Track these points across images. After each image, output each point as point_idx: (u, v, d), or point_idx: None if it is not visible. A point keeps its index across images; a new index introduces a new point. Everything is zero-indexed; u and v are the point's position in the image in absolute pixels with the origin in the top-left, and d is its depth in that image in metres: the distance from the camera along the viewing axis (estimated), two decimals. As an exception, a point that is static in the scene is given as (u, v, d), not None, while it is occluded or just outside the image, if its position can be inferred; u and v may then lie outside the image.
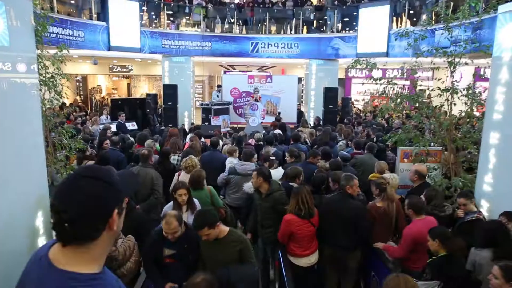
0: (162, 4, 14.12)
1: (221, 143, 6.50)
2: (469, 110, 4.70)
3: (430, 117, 5.12)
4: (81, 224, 1.11)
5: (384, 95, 5.46)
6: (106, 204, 1.16)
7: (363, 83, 12.11)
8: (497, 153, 3.82)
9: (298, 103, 15.48)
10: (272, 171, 4.98)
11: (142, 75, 20.63)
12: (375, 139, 7.87)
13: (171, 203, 4.00)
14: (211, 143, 6.06)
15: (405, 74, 6.16)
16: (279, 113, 12.97)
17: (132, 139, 7.62)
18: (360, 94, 19.54)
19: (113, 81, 20.94)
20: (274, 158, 5.49)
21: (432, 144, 5.00)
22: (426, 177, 4.51)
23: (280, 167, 5.41)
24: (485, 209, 3.94)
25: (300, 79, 17.57)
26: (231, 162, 5.39)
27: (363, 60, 5.49)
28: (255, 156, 5.55)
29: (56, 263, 1.14)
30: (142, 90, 20.93)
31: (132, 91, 20.67)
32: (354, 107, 16.74)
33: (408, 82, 8.61)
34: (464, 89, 4.81)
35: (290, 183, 4.45)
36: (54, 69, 4.49)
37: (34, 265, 1.20)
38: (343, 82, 19.56)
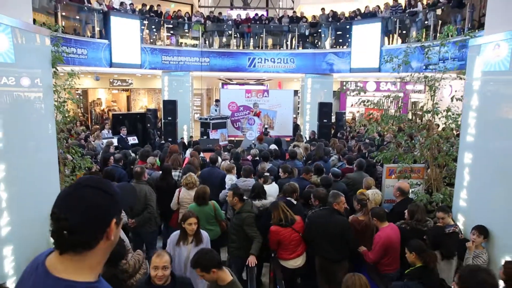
0: (162, 21, 14.57)
1: (219, 159, 6.84)
2: (448, 130, 5.09)
3: (414, 136, 5.51)
4: (80, 233, 1.13)
5: (378, 107, 5.84)
6: (106, 214, 1.19)
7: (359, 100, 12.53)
8: (470, 171, 4.20)
9: (294, 116, 15.90)
10: (267, 187, 5.36)
11: (141, 89, 21.04)
12: (366, 153, 8.26)
13: (177, 232, 3.92)
14: (210, 160, 6.43)
15: (398, 86, 6.57)
16: (266, 128, 13.36)
17: (133, 155, 7.98)
18: (355, 106, 20.00)
19: (113, 94, 21.34)
20: (268, 174, 5.84)
21: (416, 161, 5.38)
22: (410, 193, 4.88)
23: (274, 183, 5.77)
24: (461, 222, 4.31)
25: (296, 92, 18.02)
26: (231, 179, 5.75)
27: (351, 83, 5.87)
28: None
29: (53, 271, 1.15)
30: (141, 103, 21.33)
31: (132, 104, 21.08)
32: (347, 122, 17.15)
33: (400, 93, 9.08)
34: (444, 110, 5.21)
35: (288, 198, 4.81)
36: (65, 95, 4.88)
37: (30, 274, 1.21)
38: (339, 94, 20.01)
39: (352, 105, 20.25)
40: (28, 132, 3.51)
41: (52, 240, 1.14)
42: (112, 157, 6.75)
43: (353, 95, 5.30)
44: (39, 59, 3.72)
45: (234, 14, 21.76)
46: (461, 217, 4.35)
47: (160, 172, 6.26)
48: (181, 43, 15.08)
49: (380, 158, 5.48)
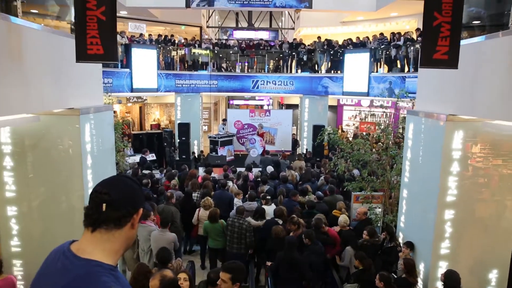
0: (176, 51, 16.41)
1: (228, 183, 8.60)
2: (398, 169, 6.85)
3: (379, 169, 7.26)
4: (116, 207, 1.31)
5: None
6: (138, 198, 1.40)
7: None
8: (406, 203, 5.95)
9: (293, 133, 17.68)
10: (266, 207, 7.09)
11: (154, 103, 22.90)
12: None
13: None
14: (221, 185, 8.22)
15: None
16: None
17: (157, 175, 9.82)
18: (351, 119, 21.75)
19: (127, 106, 23.23)
20: (269, 197, 7.52)
21: (376, 190, 7.13)
22: (369, 214, 6.64)
23: (273, 204, 7.48)
24: (401, 238, 6.06)
25: (296, 105, 19.80)
26: (238, 202, 7.49)
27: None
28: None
29: (81, 254, 1.29)
30: (153, 116, 23.18)
31: (145, 117, 22.93)
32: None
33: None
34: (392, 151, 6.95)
35: (276, 219, 6.56)
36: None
37: (57, 258, 1.31)
38: (335, 108, 21.74)
39: (349, 118, 22.04)
40: (105, 171, 5.28)
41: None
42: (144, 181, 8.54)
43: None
44: (109, 128, 5.54)
45: (239, 34, 23.65)
46: (401, 235, 6.10)
47: (180, 192, 8.12)
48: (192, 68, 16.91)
49: (348, 188, 7.24)
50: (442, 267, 5.08)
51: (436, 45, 3.93)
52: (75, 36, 3.77)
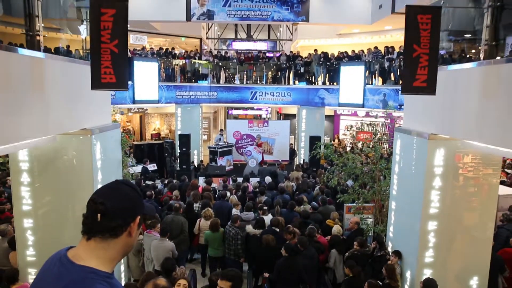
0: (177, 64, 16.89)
1: (227, 194, 9.00)
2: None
3: (369, 181, 7.67)
4: (111, 217, 1.31)
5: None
6: (135, 207, 1.40)
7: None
8: (394, 214, 6.36)
9: (291, 142, 18.13)
10: (264, 217, 7.49)
11: (154, 113, 23.33)
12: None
13: None
14: (220, 195, 8.61)
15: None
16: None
17: (159, 186, 10.20)
18: (348, 128, 22.18)
19: (127, 116, 23.66)
20: (266, 207, 7.92)
21: (368, 201, 7.54)
22: (361, 225, 7.04)
23: (270, 214, 7.86)
24: (390, 247, 6.45)
25: (294, 115, 20.24)
26: (236, 212, 7.89)
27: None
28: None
29: (76, 260, 1.30)
30: (154, 125, 23.61)
31: (146, 127, 23.35)
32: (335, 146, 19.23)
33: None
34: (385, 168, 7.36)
35: (273, 228, 6.95)
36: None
37: (53, 265, 1.33)
38: (332, 118, 22.20)
39: (346, 127, 22.50)
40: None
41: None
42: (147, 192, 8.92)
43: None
44: (117, 144, 5.95)
45: (237, 45, 24.17)
46: (390, 244, 6.49)
47: (181, 202, 8.51)
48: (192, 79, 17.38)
49: (341, 201, 7.66)
50: (427, 274, 5.47)
51: (415, 73, 4.37)
52: (91, 66, 4.19)
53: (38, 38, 4.09)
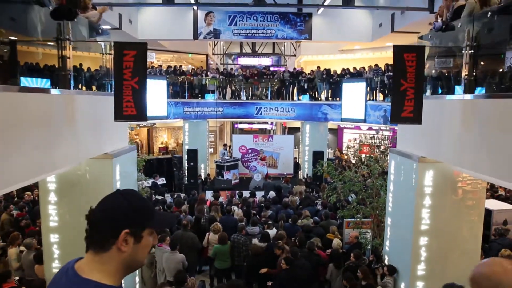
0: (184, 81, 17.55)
1: (233, 208, 9.50)
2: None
3: (368, 197, 8.14)
4: (94, 229, 1.29)
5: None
6: (117, 221, 1.28)
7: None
8: (390, 229, 6.82)
9: (295, 156, 18.63)
10: (269, 231, 7.96)
11: (162, 126, 23.99)
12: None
13: None
14: (226, 211, 9.11)
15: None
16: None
17: (168, 199, 10.73)
18: (351, 141, 22.66)
19: (136, 129, 24.33)
20: (270, 222, 8.40)
21: (366, 216, 8.00)
22: (360, 238, 7.50)
23: (275, 228, 8.34)
24: (386, 260, 6.89)
25: (298, 128, 20.76)
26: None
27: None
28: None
29: (81, 272, 1.27)
30: (161, 138, 24.24)
31: (154, 140, 23.99)
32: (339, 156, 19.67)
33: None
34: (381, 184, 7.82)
35: (276, 241, 7.42)
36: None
37: (60, 277, 1.33)
38: (336, 131, 22.70)
39: (349, 140, 22.99)
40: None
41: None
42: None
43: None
44: (133, 165, 6.50)
45: (243, 60, 24.86)
46: (386, 257, 6.94)
47: (190, 216, 9.03)
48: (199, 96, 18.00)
49: (340, 215, 8.14)
50: (419, 286, 5.91)
51: (403, 105, 4.89)
52: (114, 100, 4.77)
53: (68, 77, 4.67)
